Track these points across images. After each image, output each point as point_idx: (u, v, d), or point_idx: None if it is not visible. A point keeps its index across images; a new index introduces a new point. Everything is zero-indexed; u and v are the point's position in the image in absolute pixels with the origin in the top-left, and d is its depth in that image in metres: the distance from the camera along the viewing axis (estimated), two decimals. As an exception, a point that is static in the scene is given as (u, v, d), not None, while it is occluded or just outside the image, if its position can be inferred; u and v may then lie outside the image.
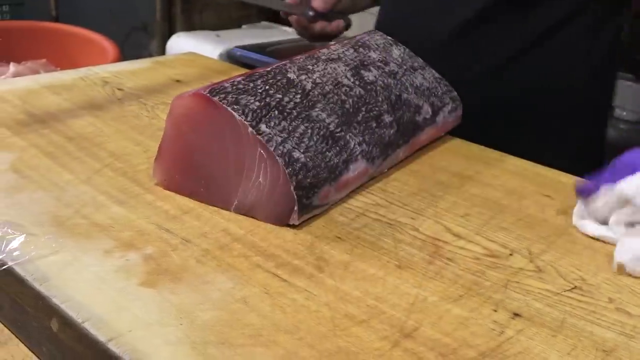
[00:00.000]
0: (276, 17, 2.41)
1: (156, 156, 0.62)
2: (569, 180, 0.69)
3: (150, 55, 2.25)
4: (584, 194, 0.58)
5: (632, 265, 0.52)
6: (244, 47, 2.08)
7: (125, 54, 1.80)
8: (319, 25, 0.99)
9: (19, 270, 0.49)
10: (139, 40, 2.30)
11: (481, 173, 0.69)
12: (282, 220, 0.56)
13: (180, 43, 2.19)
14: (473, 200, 0.63)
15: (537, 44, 0.86)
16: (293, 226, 0.56)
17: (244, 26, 2.37)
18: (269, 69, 0.64)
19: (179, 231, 0.55)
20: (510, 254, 0.55)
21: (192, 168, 0.60)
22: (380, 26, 0.98)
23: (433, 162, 0.71)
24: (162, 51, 2.24)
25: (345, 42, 0.75)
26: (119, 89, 0.88)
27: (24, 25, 1.64)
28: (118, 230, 0.54)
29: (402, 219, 0.59)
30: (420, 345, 0.43)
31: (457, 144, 0.77)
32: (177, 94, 0.85)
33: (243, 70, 1.00)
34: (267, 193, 0.56)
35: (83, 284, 0.47)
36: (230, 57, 2.08)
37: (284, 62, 0.66)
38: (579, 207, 0.59)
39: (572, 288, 0.51)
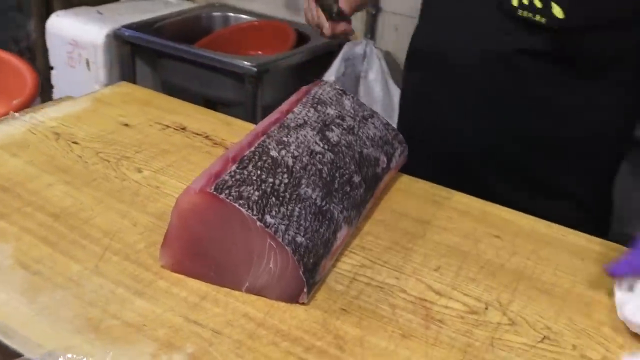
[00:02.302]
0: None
1: (163, 243, 0.68)
2: (511, 216, 0.81)
3: (29, 36, 2.19)
4: (617, 274, 0.65)
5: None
6: (130, 27, 2.06)
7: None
8: (341, 27, 1.05)
9: (84, 389, 0.54)
10: (14, 20, 2.21)
11: (436, 216, 0.80)
12: (292, 300, 0.65)
13: (61, 23, 2.14)
14: (439, 249, 0.74)
15: (571, 92, 0.90)
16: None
17: (122, -2, 2.33)
18: (252, 149, 0.70)
19: (206, 322, 0.62)
20: (486, 308, 0.66)
21: (201, 255, 0.66)
22: (416, 41, 1.04)
23: (392, 207, 0.80)
24: (41, 31, 2.17)
25: (304, 100, 0.81)
26: (73, 142, 0.91)
27: None
28: (152, 329, 0.61)
29: (389, 280, 0.69)
30: (448, 420, 0.54)
31: (405, 181, 0.87)
32: (131, 141, 0.89)
33: (175, 99, 1.04)
34: (277, 277, 0.64)
35: (151, 399, 0.54)
36: (117, 37, 2.06)
37: (262, 139, 0.72)
38: (620, 294, 0.65)
39: (542, 339, 0.63)
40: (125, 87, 1.09)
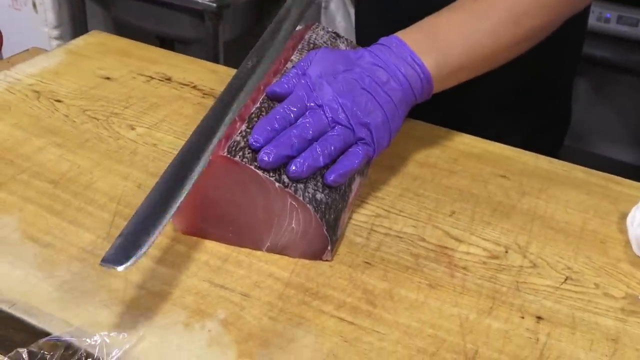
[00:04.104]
0: None
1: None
2: (512, 153, 0.81)
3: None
4: None
5: None
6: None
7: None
8: None
9: (123, 366, 0.54)
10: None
11: (441, 158, 0.80)
12: (315, 257, 0.64)
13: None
14: (450, 194, 0.74)
15: None
16: (324, 257, 0.64)
17: None
18: (258, 105, 0.68)
19: (233, 285, 0.61)
20: (506, 252, 0.67)
21: (218, 218, 0.65)
22: None
23: (396, 152, 0.79)
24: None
25: (299, 47, 0.79)
26: (56, 100, 0.87)
27: None
28: (179, 296, 0.60)
29: (407, 229, 0.69)
30: (486, 367, 0.55)
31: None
32: (117, 96, 0.86)
33: (154, 48, 1.01)
34: (299, 236, 0.63)
35: (194, 370, 0.53)
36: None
37: (265, 93, 0.70)
38: (633, 229, 0.66)
39: (565, 279, 0.64)
40: (99, 37, 1.04)
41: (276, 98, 0.67)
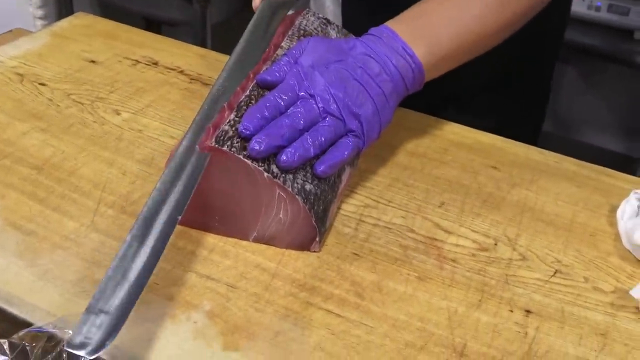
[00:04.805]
0: None
1: (162, 195, 0.65)
2: (504, 144, 0.80)
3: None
4: None
5: None
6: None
7: None
8: None
9: (107, 357, 0.53)
10: None
11: (431, 148, 0.79)
12: (303, 248, 0.63)
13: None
14: (439, 184, 0.73)
15: None
16: (312, 248, 0.64)
17: None
18: (247, 93, 0.66)
19: (219, 276, 0.60)
20: (495, 244, 0.66)
21: (204, 206, 0.64)
22: None
23: (385, 141, 0.78)
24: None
25: (289, 33, 0.78)
26: (40, 84, 0.85)
27: None
28: (164, 287, 0.59)
29: (396, 220, 0.68)
30: (474, 361, 0.54)
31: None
32: (102, 80, 0.84)
33: (140, 31, 0.99)
34: (287, 227, 0.63)
35: (178, 362, 0.53)
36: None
37: (255, 81, 0.68)
38: (623, 222, 0.66)
39: (554, 273, 0.63)
40: (85, 19, 1.02)
41: (266, 86, 0.66)
